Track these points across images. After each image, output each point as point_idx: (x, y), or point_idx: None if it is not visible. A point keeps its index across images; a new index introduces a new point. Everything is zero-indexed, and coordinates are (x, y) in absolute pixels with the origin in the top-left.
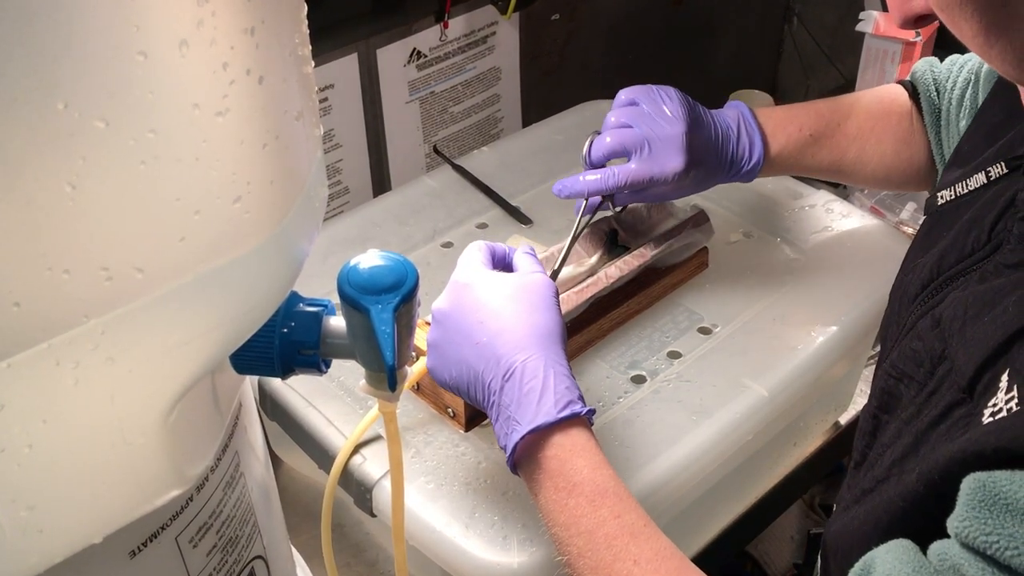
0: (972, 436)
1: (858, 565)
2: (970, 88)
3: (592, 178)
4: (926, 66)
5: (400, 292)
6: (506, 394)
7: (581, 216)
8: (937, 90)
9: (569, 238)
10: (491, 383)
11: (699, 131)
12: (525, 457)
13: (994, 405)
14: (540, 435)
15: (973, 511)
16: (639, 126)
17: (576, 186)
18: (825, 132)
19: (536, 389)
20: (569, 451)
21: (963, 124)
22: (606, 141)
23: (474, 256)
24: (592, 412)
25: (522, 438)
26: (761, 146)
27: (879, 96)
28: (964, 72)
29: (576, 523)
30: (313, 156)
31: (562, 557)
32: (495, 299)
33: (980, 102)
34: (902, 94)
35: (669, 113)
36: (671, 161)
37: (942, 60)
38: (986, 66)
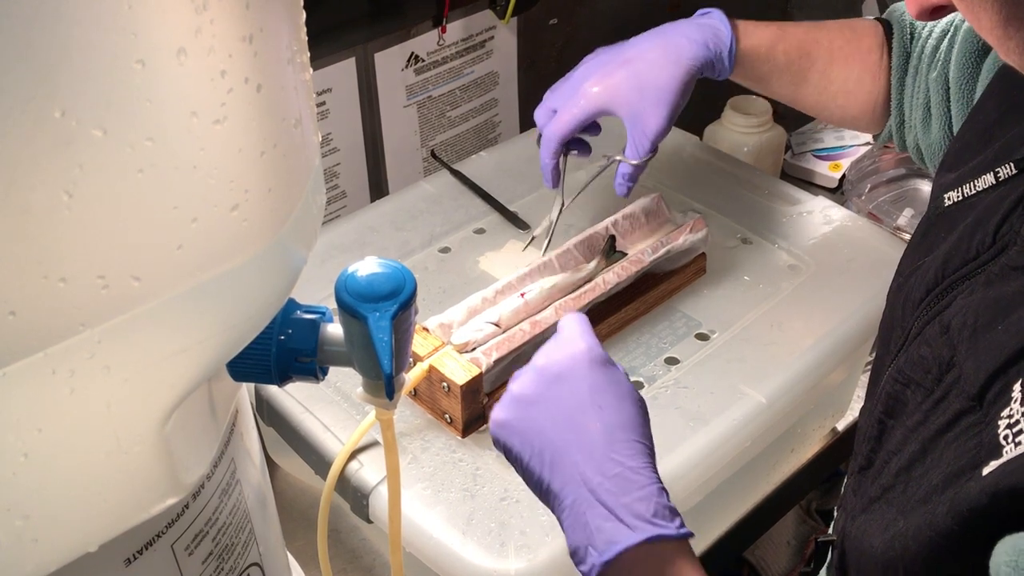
0: (1004, 470)
1: None
2: (946, 40)
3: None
4: (904, 8)
5: (398, 300)
6: (612, 491)
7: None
8: (912, 34)
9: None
10: (589, 472)
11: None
12: (629, 560)
13: (1009, 416)
14: (646, 546)
15: None
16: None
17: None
18: (798, 37)
19: (652, 497)
20: (675, 566)
21: (932, 76)
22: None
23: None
24: (692, 535)
25: (639, 544)
26: (732, 53)
27: (851, 24)
28: (942, 23)
29: None
30: (311, 163)
31: None
32: (623, 392)
33: (955, 56)
34: (876, 28)
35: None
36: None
37: None
38: (966, 23)
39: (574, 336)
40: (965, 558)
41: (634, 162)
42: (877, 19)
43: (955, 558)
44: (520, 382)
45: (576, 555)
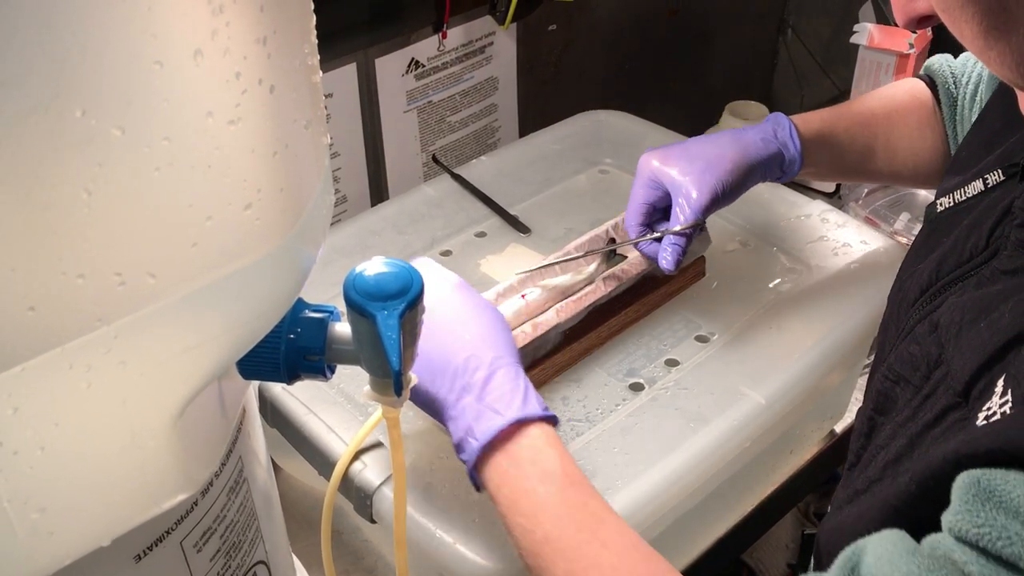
0: (965, 438)
1: (849, 549)
2: (982, 84)
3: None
4: (942, 60)
5: (406, 298)
6: (493, 386)
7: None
8: (955, 82)
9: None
10: (477, 372)
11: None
12: (496, 448)
13: (988, 409)
14: (520, 426)
15: (966, 505)
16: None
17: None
18: (853, 113)
19: (521, 388)
20: (545, 442)
21: (975, 120)
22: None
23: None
24: (555, 417)
25: (509, 424)
26: (795, 138)
27: (898, 86)
28: (978, 67)
29: (545, 509)
30: (321, 164)
31: (522, 549)
32: (482, 305)
33: (984, 97)
34: (920, 85)
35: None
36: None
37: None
38: None
39: (428, 278)
40: (921, 526)
41: (676, 229)
42: (918, 76)
43: (913, 525)
44: None
45: (459, 447)
